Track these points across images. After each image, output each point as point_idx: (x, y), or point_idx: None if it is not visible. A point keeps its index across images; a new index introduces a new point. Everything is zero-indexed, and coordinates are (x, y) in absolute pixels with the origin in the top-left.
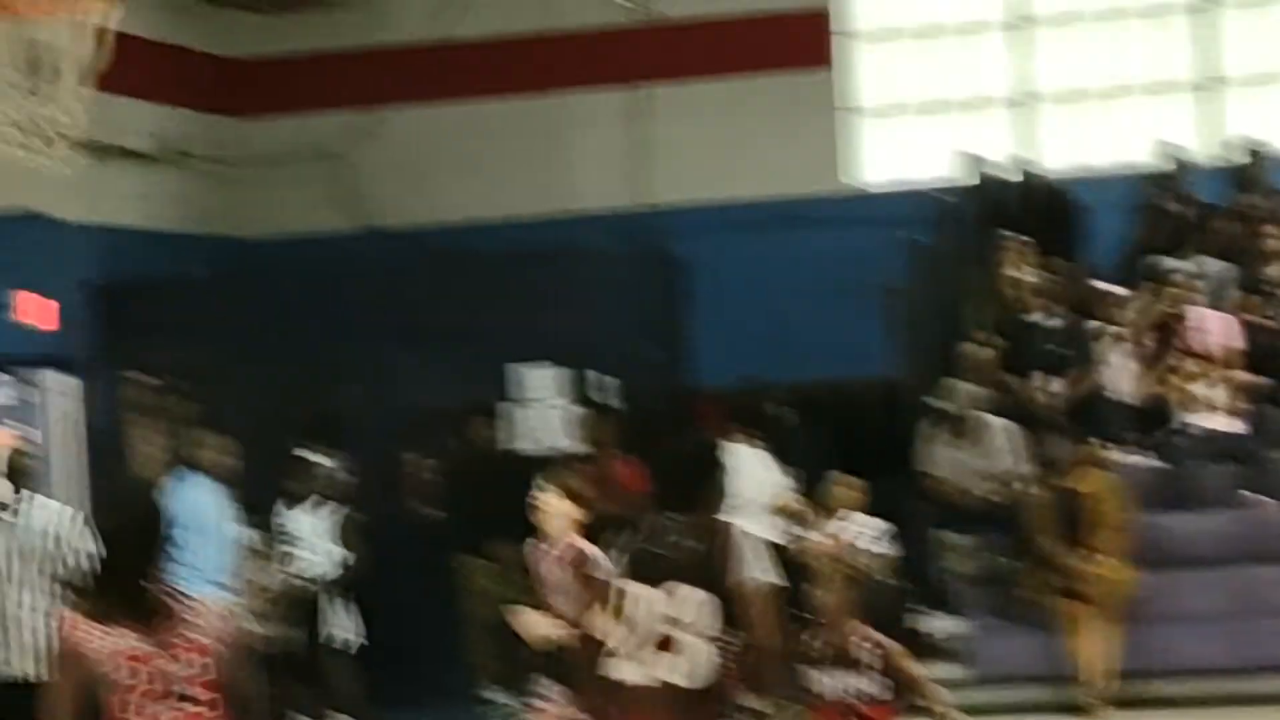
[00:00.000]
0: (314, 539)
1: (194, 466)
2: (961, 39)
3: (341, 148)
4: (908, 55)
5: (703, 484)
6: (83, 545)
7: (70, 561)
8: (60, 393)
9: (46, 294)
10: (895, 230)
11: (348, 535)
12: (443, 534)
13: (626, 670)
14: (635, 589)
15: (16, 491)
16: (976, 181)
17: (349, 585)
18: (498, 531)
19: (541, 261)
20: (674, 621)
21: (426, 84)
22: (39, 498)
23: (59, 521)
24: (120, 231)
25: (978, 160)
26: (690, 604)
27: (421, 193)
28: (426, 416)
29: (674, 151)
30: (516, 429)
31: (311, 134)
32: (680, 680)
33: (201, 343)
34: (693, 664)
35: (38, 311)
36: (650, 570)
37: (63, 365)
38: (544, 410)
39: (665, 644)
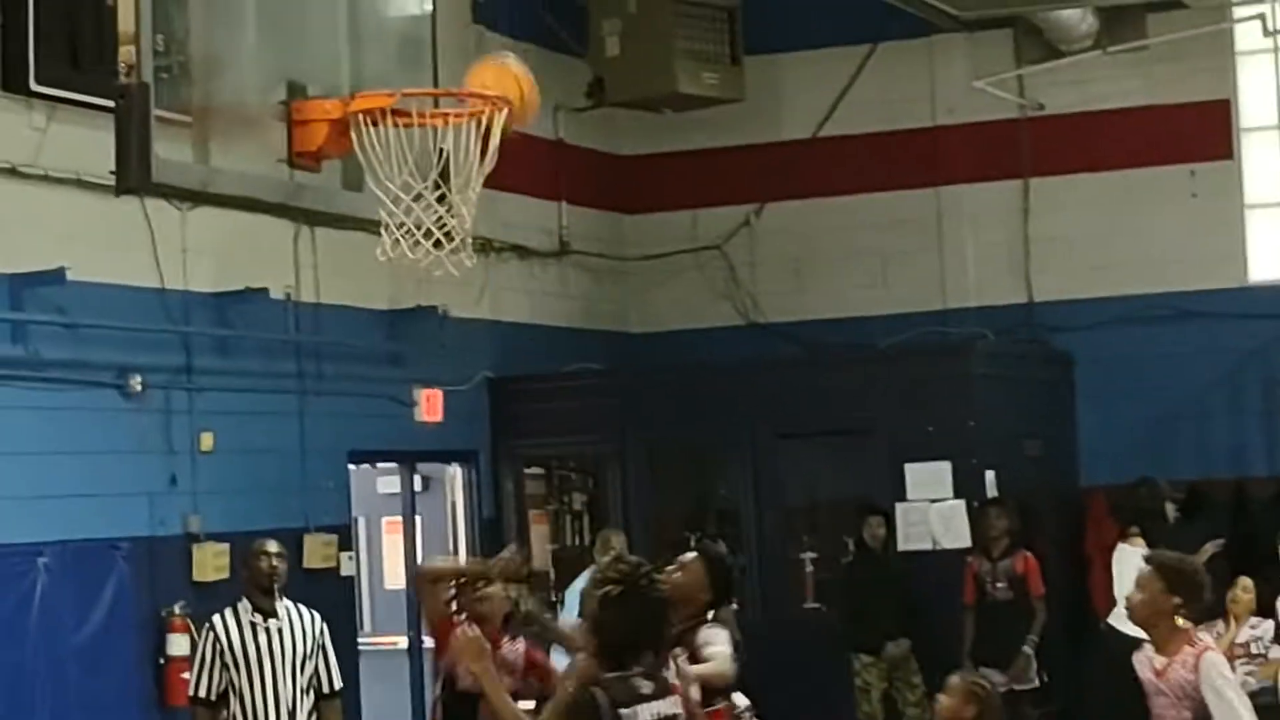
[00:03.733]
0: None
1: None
2: None
3: (721, 241)
4: None
5: None
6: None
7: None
8: (448, 484)
9: (441, 387)
10: None
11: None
12: (835, 632)
13: None
14: None
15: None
16: None
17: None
18: (889, 630)
19: (926, 356)
20: None
21: (808, 179)
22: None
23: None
24: (511, 326)
25: None
26: None
27: (802, 287)
28: (816, 513)
29: (1061, 245)
30: (909, 528)
31: (693, 229)
32: None
33: (591, 437)
34: None
35: (432, 406)
36: None
37: (453, 457)
38: (937, 508)
39: None
